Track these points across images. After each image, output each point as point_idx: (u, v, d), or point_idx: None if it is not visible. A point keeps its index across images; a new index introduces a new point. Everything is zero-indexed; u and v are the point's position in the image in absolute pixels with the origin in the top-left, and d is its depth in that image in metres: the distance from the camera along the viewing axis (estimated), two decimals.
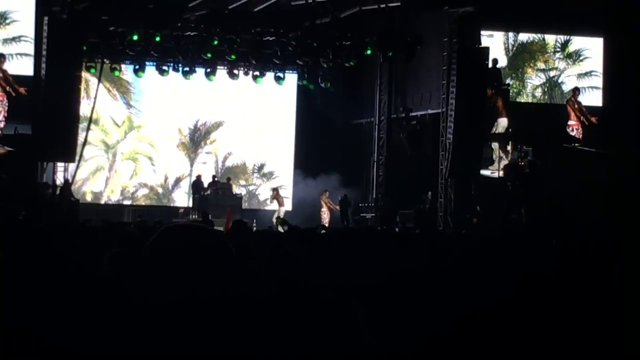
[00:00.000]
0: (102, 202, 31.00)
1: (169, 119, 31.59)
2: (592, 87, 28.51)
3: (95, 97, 28.64)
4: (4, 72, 23.90)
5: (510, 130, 25.55)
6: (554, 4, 26.75)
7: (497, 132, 25.65)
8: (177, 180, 31.94)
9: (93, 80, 29.39)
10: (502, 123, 25.65)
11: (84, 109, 28.49)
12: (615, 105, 27.45)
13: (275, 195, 29.67)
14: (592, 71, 28.73)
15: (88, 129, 28.28)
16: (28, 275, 4.73)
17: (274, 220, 27.67)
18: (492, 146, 25.85)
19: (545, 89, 28.98)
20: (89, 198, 30.56)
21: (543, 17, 27.55)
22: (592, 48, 28.79)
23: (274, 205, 30.03)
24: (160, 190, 31.86)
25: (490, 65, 26.51)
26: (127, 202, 31.29)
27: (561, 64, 28.84)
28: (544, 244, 6.65)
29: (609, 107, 27.80)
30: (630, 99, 26.63)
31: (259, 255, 5.67)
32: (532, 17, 27.60)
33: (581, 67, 28.83)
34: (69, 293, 4.46)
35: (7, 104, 23.63)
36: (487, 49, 26.72)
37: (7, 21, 26.38)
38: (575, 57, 28.84)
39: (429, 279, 4.67)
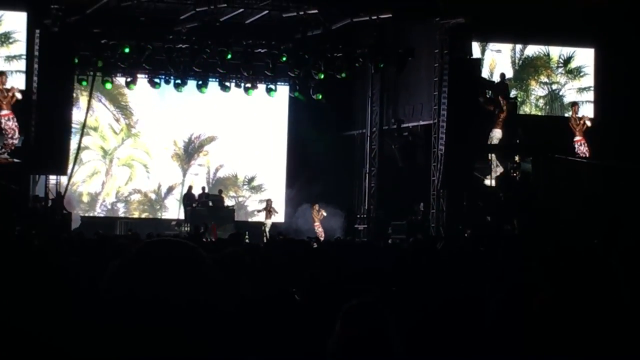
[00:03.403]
0: (98, 204, 31.63)
1: (165, 130, 32.05)
2: (590, 101, 28.95)
3: (88, 110, 28.70)
4: (10, 89, 24.31)
5: (498, 142, 25.75)
6: (542, 16, 26.86)
7: (491, 143, 25.85)
8: (170, 189, 32.33)
9: None
10: (497, 135, 25.83)
11: (81, 118, 28.68)
12: (607, 117, 27.58)
13: (268, 207, 29.73)
14: (590, 86, 29.17)
15: (81, 136, 28.31)
16: (24, 291, 4.73)
17: (265, 231, 28.05)
18: (490, 157, 26.05)
19: (547, 101, 29.32)
20: (85, 199, 31.28)
21: (533, 28, 27.64)
22: (590, 65, 29.17)
23: (262, 216, 30.10)
24: (153, 196, 32.25)
25: (498, 79, 26.88)
26: (121, 205, 31.94)
27: (562, 79, 29.24)
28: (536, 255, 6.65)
29: (601, 119, 27.88)
30: (621, 110, 26.84)
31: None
32: (522, 28, 27.68)
33: (581, 82, 29.24)
34: (65, 305, 4.46)
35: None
36: (478, 60, 26.86)
37: (10, 40, 26.76)
38: (575, 72, 29.23)
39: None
